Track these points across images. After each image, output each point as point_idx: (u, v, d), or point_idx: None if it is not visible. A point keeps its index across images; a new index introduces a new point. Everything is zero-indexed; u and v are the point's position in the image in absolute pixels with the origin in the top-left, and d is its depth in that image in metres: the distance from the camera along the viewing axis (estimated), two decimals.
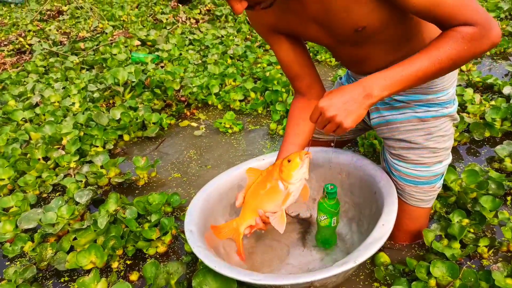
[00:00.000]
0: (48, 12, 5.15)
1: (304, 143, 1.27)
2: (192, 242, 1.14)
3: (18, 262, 1.53)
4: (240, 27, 3.93)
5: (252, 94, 2.53)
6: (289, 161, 1.11)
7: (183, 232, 1.48)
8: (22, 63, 3.55)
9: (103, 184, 1.88)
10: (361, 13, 0.97)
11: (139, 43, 3.74)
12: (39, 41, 3.92)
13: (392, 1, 0.93)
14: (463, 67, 2.64)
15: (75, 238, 1.52)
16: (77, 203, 1.72)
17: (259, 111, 2.40)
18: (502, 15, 3.56)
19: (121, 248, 1.49)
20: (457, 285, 1.11)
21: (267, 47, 3.41)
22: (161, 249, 1.50)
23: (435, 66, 0.91)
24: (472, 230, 1.37)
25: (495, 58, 2.84)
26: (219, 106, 2.52)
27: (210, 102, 2.55)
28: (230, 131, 2.22)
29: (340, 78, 1.49)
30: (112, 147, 2.16)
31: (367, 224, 1.31)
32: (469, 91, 2.20)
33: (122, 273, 1.42)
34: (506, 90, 2.25)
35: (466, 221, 1.39)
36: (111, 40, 3.79)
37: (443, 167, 1.26)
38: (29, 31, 4.38)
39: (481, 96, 2.25)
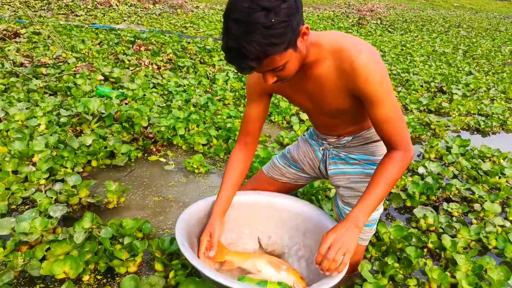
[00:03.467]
0: (4, 32, 5.10)
1: (233, 193, 1.59)
2: (189, 254, 1.28)
3: None
4: (201, 80, 4.25)
5: (215, 141, 2.80)
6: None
7: (159, 251, 1.64)
8: None
9: (73, 203, 1.98)
10: (341, 102, 1.37)
11: (102, 78, 3.89)
12: None
13: (363, 105, 1.32)
14: None
15: (48, 249, 1.61)
16: (49, 217, 1.80)
17: (221, 156, 2.66)
18: (422, 108, 4.28)
19: (93, 263, 1.60)
20: None
21: (226, 102, 3.74)
22: (132, 269, 1.63)
23: (387, 188, 1.32)
24: (401, 272, 1.71)
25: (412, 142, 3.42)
26: (184, 147, 2.74)
27: (175, 142, 2.77)
28: (197, 171, 2.44)
29: (304, 135, 1.83)
30: (81, 170, 2.26)
31: None
32: None
33: (93, 287, 1.53)
34: (420, 170, 2.75)
35: (396, 265, 1.73)
36: (74, 70, 3.89)
37: (378, 214, 1.63)
38: None
39: None
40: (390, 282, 1.69)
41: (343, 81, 1.27)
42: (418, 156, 3.14)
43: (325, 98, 1.37)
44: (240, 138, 1.62)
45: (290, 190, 1.89)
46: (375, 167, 1.55)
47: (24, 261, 1.56)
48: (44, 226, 1.72)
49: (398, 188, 2.50)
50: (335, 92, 1.33)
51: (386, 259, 1.74)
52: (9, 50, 4.29)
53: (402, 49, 7.54)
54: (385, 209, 2.29)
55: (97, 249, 1.62)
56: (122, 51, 4.99)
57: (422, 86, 5.02)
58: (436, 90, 4.99)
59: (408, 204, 2.34)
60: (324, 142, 1.66)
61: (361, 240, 1.61)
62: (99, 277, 1.58)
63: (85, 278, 1.55)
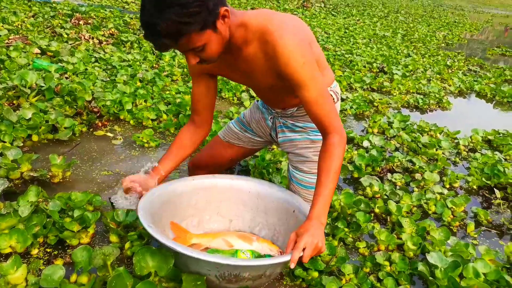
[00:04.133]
0: None
1: (178, 162, 1.57)
2: (145, 222, 1.24)
3: None
4: (146, 56, 4.11)
5: (164, 116, 2.73)
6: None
7: (114, 223, 1.58)
8: None
9: (14, 177, 1.85)
10: (274, 81, 1.38)
11: (38, 51, 3.64)
12: None
13: (292, 88, 1.31)
14: None
15: None
16: None
17: (171, 131, 2.61)
18: (365, 87, 4.44)
19: (42, 236, 1.52)
20: (335, 260, 1.55)
21: (175, 77, 3.66)
22: (85, 240, 1.57)
23: (336, 177, 1.32)
24: (351, 236, 1.79)
25: (355, 118, 3.55)
26: (132, 122, 2.65)
27: (122, 117, 2.67)
28: (146, 145, 2.37)
29: (257, 101, 1.86)
30: (21, 144, 2.12)
31: (283, 238, 1.57)
32: None
33: (41, 261, 1.45)
34: (365, 143, 2.88)
35: (346, 229, 1.81)
36: (7, 43, 3.60)
37: None
38: None
39: (347, 145, 2.83)
40: (341, 244, 1.76)
41: (269, 63, 1.29)
42: (362, 131, 3.27)
43: (258, 77, 1.39)
44: (191, 117, 1.63)
45: (246, 155, 1.92)
46: (319, 133, 1.60)
47: None
48: None
49: (345, 160, 2.59)
50: (265, 73, 1.34)
51: (337, 223, 1.81)
52: None
53: (346, 32, 7.75)
54: None
55: (45, 222, 1.54)
56: (59, 24, 4.69)
57: (365, 66, 5.21)
58: (378, 70, 5.20)
59: (356, 175, 2.43)
60: (272, 111, 1.70)
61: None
62: (49, 249, 1.50)
63: (34, 251, 1.47)
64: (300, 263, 1.23)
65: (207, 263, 1.16)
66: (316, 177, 1.61)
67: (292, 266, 1.15)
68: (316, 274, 1.53)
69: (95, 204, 1.75)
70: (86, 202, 1.71)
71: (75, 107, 2.60)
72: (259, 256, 1.43)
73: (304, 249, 1.17)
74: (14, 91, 2.60)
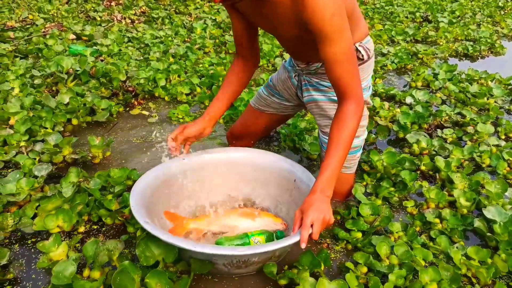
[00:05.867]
0: None
1: (227, 104, 1.55)
2: (140, 218, 1.19)
3: None
4: (178, 30, 4.08)
5: (198, 89, 2.71)
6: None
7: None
8: None
9: (57, 161, 1.91)
10: (298, 31, 1.27)
11: (74, 37, 3.70)
12: None
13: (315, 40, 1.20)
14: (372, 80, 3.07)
15: (38, 207, 1.55)
16: (35, 177, 1.73)
17: (206, 103, 2.58)
18: (408, 39, 4.18)
19: (87, 214, 1.56)
20: (379, 220, 1.48)
21: (207, 50, 3.61)
22: (120, 220, 1.57)
23: (346, 148, 1.22)
24: (396, 195, 1.70)
25: (396, 73, 3.35)
26: (166, 98, 2.65)
27: (156, 94, 2.67)
28: (182, 120, 2.37)
29: (285, 62, 1.76)
30: (62, 129, 2.18)
31: (287, 208, 1.52)
32: (377, 99, 2.60)
33: (80, 237, 1.48)
34: (408, 100, 2.70)
35: (392, 188, 1.72)
36: (43, 32, 3.70)
37: (361, 141, 1.59)
38: None
39: (388, 103, 2.67)
40: (386, 203, 1.68)
41: (295, 11, 1.17)
42: (405, 86, 3.08)
43: (282, 25, 1.29)
44: (236, 54, 1.57)
45: (279, 122, 1.86)
46: None
47: (14, 221, 1.51)
48: (31, 185, 1.66)
49: (386, 120, 2.44)
50: (290, 21, 1.24)
51: (382, 182, 1.73)
52: None
53: None
54: (372, 143, 2.24)
55: (87, 200, 1.58)
56: (92, 8, 4.76)
57: (407, 17, 4.90)
58: (421, 20, 4.87)
59: (401, 135, 2.28)
60: (297, 68, 1.60)
61: (347, 169, 1.60)
62: (94, 227, 1.54)
63: (81, 229, 1.52)
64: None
65: (213, 255, 1.13)
66: None
67: (303, 246, 1.08)
68: (359, 234, 1.47)
69: (134, 178, 1.77)
70: (125, 177, 1.74)
71: (110, 88, 2.63)
72: (270, 236, 1.34)
73: (312, 225, 1.10)
74: (52, 77, 2.67)
